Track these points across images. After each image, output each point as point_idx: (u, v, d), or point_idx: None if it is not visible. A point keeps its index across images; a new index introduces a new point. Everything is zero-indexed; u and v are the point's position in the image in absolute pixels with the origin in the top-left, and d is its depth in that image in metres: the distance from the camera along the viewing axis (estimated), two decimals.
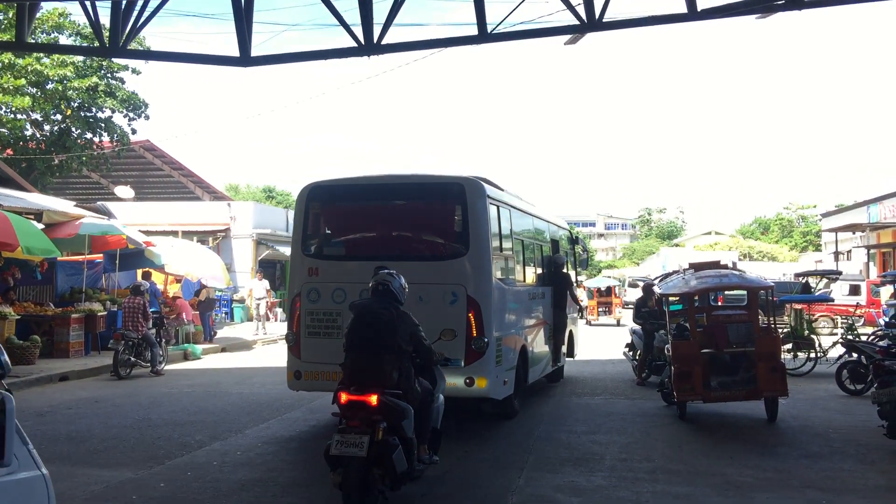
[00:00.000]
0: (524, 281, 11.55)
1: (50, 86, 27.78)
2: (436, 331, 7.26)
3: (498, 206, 10.14)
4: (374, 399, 5.88)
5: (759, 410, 10.40)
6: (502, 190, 11.10)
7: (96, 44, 13.85)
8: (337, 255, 10.01)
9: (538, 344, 11.99)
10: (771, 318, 10.70)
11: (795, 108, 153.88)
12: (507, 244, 10.52)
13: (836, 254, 40.56)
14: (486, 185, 9.84)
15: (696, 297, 10.69)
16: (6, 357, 3.12)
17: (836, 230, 40.41)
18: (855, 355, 12.73)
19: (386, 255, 9.23)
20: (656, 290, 12.58)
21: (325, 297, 9.52)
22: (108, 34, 12.62)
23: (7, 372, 3.12)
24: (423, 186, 10.09)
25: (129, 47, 12.64)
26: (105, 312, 17.33)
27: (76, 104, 28.61)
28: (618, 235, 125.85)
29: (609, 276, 48.42)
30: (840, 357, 13.27)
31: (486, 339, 8.93)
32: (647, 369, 13.64)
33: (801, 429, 9.83)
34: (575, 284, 14.91)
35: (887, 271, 29.00)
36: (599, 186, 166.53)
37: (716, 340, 10.38)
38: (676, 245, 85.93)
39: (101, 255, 19.01)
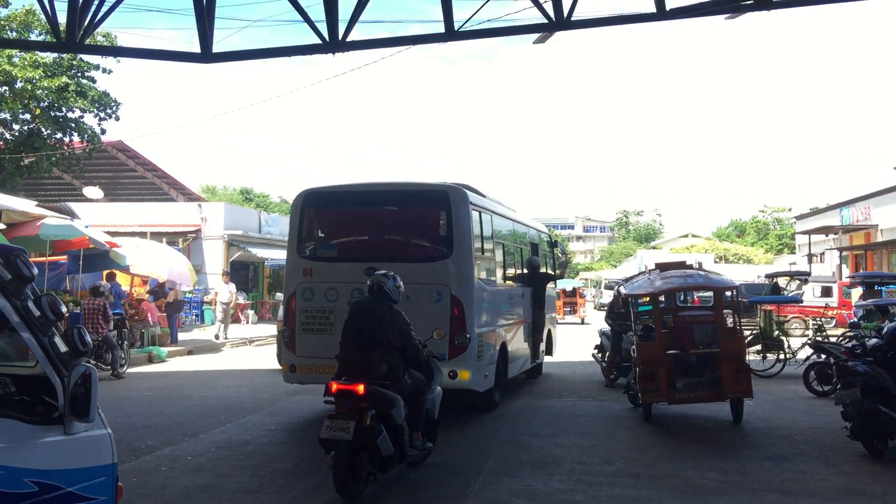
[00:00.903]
0: (504, 282, 12.25)
1: (19, 85, 27.29)
2: (421, 327, 7.80)
3: (480, 212, 10.76)
4: (360, 388, 6.49)
5: (726, 412, 10.31)
6: (484, 196, 11.61)
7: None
8: (330, 256, 10.58)
9: (517, 341, 12.50)
10: (736, 319, 10.60)
11: (771, 110, 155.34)
12: (488, 247, 11.17)
13: (810, 256, 40.82)
14: (468, 192, 10.44)
15: (662, 298, 10.60)
16: (88, 337, 3.67)
17: (809, 232, 40.71)
18: (823, 356, 12.69)
19: (375, 257, 9.87)
20: (622, 290, 12.47)
21: (318, 295, 10.12)
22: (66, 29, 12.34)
23: (88, 350, 3.63)
24: (410, 193, 10.85)
25: (88, 43, 12.37)
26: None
27: (45, 104, 28.11)
28: (596, 238, 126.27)
29: (585, 279, 48.91)
30: (807, 358, 13.22)
31: (468, 336, 9.34)
32: (616, 371, 13.53)
33: (766, 430, 9.75)
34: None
35: (857, 272, 29.21)
36: (578, 189, 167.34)
37: (681, 341, 10.28)
38: (654, 248, 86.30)
39: (66, 255, 18.63)
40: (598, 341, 14.87)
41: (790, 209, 76.05)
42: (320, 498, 6.65)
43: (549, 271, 15.34)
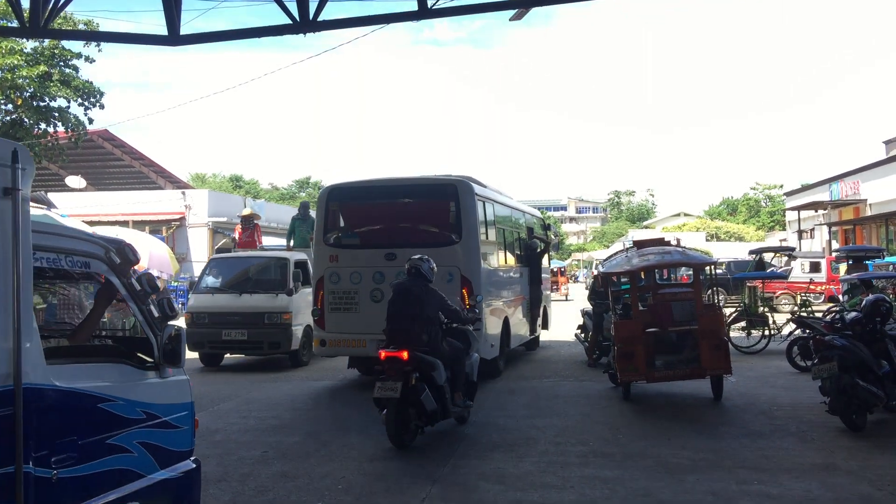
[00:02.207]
0: (506, 262, 13.55)
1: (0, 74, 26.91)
2: (447, 300, 8.76)
3: (483, 201, 12.04)
4: (405, 355, 7.72)
5: (707, 390, 10.20)
6: (485, 186, 12.84)
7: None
8: (353, 244, 11.80)
9: (518, 315, 13.92)
10: (711, 294, 10.46)
11: (762, 86, 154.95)
12: (491, 232, 12.41)
13: (800, 232, 40.75)
14: (473, 184, 11.73)
15: (643, 275, 10.46)
16: (175, 305, 4.42)
17: (798, 208, 40.60)
18: (806, 332, 12.56)
19: (393, 243, 11.24)
20: (600, 268, 12.34)
21: (343, 279, 11.44)
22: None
23: (175, 315, 4.51)
24: (422, 186, 12.27)
25: (52, 27, 12.11)
26: (45, 305, 16.75)
27: (28, 93, 27.73)
28: (589, 219, 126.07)
29: (578, 260, 49.60)
30: (790, 334, 13.11)
31: (476, 310, 10.23)
32: (598, 350, 13.41)
33: (746, 407, 9.63)
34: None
35: (842, 247, 29.11)
36: (570, 170, 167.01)
37: (660, 319, 10.14)
38: (646, 227, 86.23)
39: None
40: (580, 321, 14.75)
41: (781, 186, 76.01)
42: (285, 486, 6.51)
43: (542, 245, 16.11)
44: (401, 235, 11.55)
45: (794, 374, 12.11)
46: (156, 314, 4.44)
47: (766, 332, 14.92)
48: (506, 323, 12.73)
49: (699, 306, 9.97)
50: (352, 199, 12.29)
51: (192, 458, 4.67)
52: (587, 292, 16.52)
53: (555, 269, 38.01)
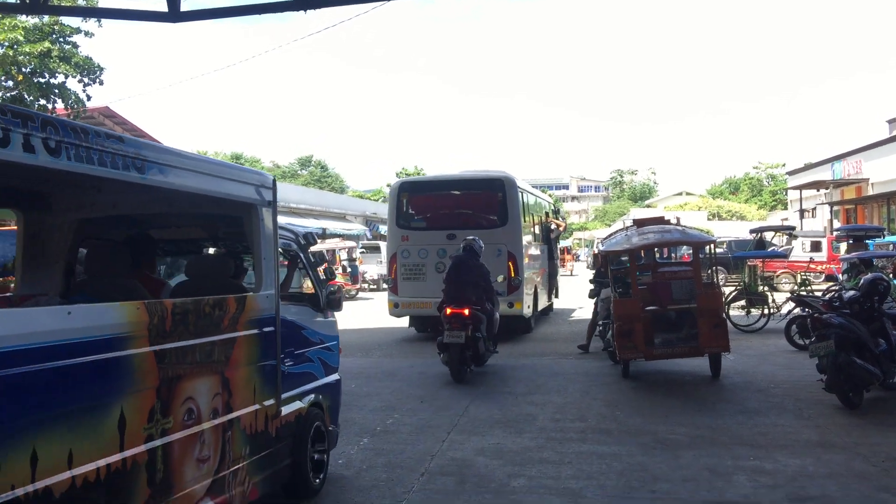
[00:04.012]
0: (534, 241, 16.43)
1: (0, 51, 26.79)
2: (490, 274, 11.32)
3: (522, 192, 15.00)
4: (466, 311, 10.26)
5: (705, 368, 10.26)
6: (521, 181, 15.55)
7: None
8: (420, 227, 14.67)
9: (542, 284, 16.98)
10: (711, 273, 10.49)
11: (766, 66, 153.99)
12: (526, 217, 15.30)
13: (801, 211, 40.64)
14: (515, 179, 14.72)
15: (643, 254, 10.49)
16: (333, 268, 6.95)
17: (801, 188, 40.47)
18: (805, 310, 12.58)
19: (453, 226, 14.14)
20: (599, 247, 12.36)
21: (413, 255, 14.35)
22: None
23: (334, 276, 6.96)
24: (475, 181, 15.33)
25: (51, 2, 12.06)
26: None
27: (28, 70, 27.62)
28: (591, 198, 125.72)
29: (579, 239, 50.24)
30: (789, 312, 13.14)
31: (519, 278, 13.90)
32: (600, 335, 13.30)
33: (744, 385, 9.69)
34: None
35: (842, 226, 29.06)
36: (573, 149, 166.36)
37: (660, 298, 10.19)
38: (648, 206, 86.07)
39: None
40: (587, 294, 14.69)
41: (784, 164, 75.64)
42: None
43: (557, 230, 19.46)
44: (459, 220, 14.47)
45: (793, 352, 12.17)
46: (322, 277, 6.40)
47: (766, 311, 14.97)
48: (535, 290, 15.78)
49: (698, 285, 10.00)
50: (418, 192, 15.30)
51: (337, 373, 6.45)
52: (591, 272, 16.68)
53: (562, 248, 38.48)
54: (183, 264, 6.14)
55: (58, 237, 5.23)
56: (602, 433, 7.40)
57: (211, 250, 6.46)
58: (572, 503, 5.50)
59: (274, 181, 5.23)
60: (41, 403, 3.13)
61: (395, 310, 14.57)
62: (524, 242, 14.48)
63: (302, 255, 6.19)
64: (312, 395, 5.82)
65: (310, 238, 6.32)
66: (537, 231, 17.02)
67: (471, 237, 11.08)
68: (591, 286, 13.84)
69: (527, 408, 8.54)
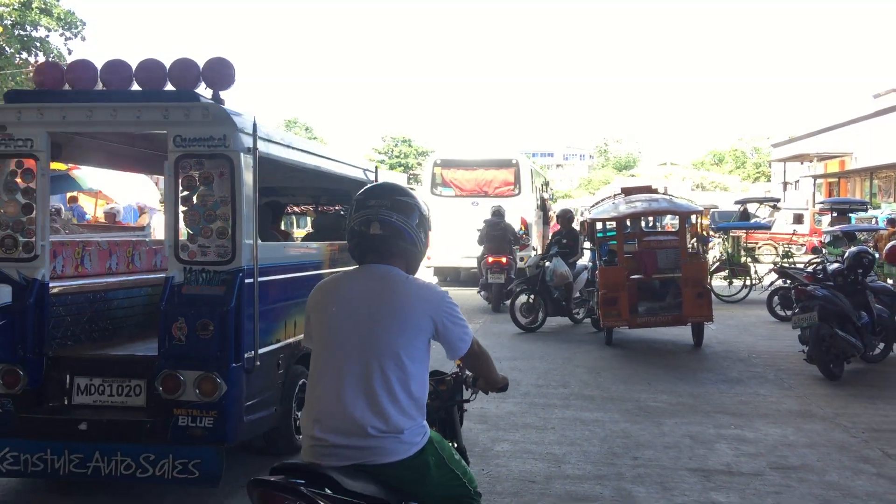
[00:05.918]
0: (537, 208, 19.44)
1: None
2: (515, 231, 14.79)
3: (532, 169, 18.70)
4: (504, 259, 13.66)
5: (688, 337, 10.31)
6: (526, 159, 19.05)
7: None
8: (450, 195, 17.89)
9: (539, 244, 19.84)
10: (696, 243, 10.50)
11: (752, 38, 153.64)
12: (535, 188, 18.97)
13: (784, 184, 40.80)
14: (527, 158, 18.90)
15: (629, 223, 10.47)
16: None
17: (784, 160, 40.60)
18: (787, 282, 12.66)
19: (477, 194, 17.50)
20: (586, 214, 12.34)
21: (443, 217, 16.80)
22: None
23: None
24: (496, 160, 18.19)
25: None
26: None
27: (9, 22, 27.00)
28: (576, 166, 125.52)
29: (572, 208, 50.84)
30: (772, 283, 13.23)
31: (529, 237, 17.05)
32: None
33: (725, 354, 9.76)
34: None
35: (825, 199, 29.22)
36: (559, 117, 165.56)
37: (645, 266, 10.20)
38: (632, 176, 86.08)
39: None
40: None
41: (768, 138, 75.74)
42: None
43: (549, 202, 23.58)
44: (482, 188, 17.74)
45: (774, 323, 12.27)
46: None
47: (748, 282, 15.06)
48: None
49: (683, 254, 10.01)
50: (450, 166, 18.27)
51: None
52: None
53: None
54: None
55: None
56: (585, 399, 7.43)
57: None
58: (555, 468, 5.51)
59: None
60: (283, 296, 5.32)
61: (429, 267, 17.61)
62: (534, 209, 18.19)
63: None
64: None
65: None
66: (541, 201, 20.24)
67: (497, 205, 14.52)
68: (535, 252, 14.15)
69: (510, 373, 8.35)
